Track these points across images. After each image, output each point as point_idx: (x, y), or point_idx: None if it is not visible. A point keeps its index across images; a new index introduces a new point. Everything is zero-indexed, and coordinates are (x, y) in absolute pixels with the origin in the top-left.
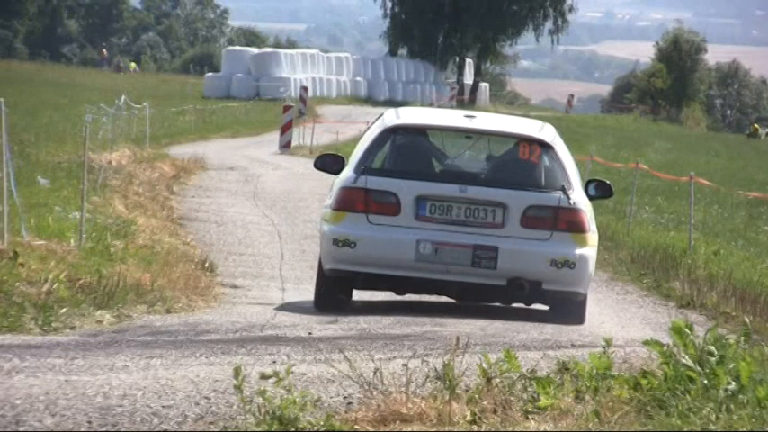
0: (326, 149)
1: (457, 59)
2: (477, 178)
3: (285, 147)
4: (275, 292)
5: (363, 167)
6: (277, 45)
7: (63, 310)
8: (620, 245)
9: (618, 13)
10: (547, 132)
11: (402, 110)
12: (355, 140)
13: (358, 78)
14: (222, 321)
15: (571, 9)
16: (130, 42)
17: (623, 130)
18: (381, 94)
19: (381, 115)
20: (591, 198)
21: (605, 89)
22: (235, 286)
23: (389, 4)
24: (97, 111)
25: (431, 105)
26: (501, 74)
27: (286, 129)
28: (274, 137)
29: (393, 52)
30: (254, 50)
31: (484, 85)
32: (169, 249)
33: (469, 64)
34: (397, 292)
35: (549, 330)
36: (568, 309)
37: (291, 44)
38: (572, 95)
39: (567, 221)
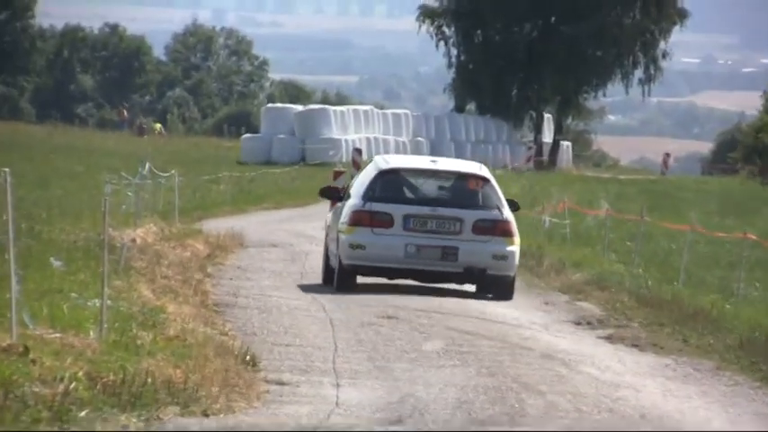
0: None
1: (534, 115)
2: (442, 202)
3: None
4: (328, 389)
5: (367, 197)
6: (325, 101)
7: (82, 414)
8: (727, 328)
9: (719, 59)
10: (484, 170)
11: (388, 157)
12: None
13: (419, 138)
14: (267, 424)
15: (665, 55)
16: (155, 100)
17: (728, 194)
18: (448, 156)
19: (373, 160)
20: (513, 208)
21: (706, 146)
22: (281, 383)
23: (454, 52)
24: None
25: (504, 168)
26: (585, 131)
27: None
28: (324, 208)
29: (460, 108)
30: (299, 107)
31: (566, 144)
32: (204, 341)
33: (548, 120)
34: (390, 278)
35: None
36: (503, 288)
37: (342, 99)
38: (668, 154)
39: (502, 229)
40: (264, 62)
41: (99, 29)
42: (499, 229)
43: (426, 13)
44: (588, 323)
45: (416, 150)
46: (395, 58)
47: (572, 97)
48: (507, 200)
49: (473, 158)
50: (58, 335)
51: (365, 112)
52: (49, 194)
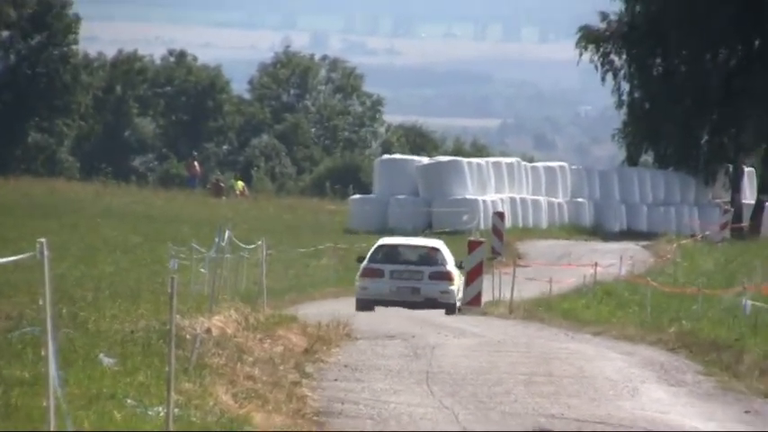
0: (537, 305)
1: (731, 168)
2: (412, 262)
3: (472, 303)
4: None
5: (370, 260)
6: (457, 151)
7: None
8: None
9: None
10: (439, 243)
11: (385, 238)
12: (577, 293)
13: (580, 199)
14: None
15: None
16: (235, 150)
17: None
18: (616, 223)
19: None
20: (459, 267)
21: None
22: None
23: (626, 87)
24: (187, 254)
25: (693, 237)
26: None
27: (474, 276)
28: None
29: (633, 159)
30: (424, 160)
31: None
32: None
33: (750, 174)
34: (384, 306)
35: None
36: (449, 310)
37: (479, 149)
38: None
39: (446, 277)
40: (379, 101)
41: (162, 57)
42: (444, 276)
43: (589, 38)
44: None
45: (576, 216)
46: (548, 95)
47: None
48: (460, 261)
49: (650, 225)
50: None
51: (509, 165)
52: (98, 271)
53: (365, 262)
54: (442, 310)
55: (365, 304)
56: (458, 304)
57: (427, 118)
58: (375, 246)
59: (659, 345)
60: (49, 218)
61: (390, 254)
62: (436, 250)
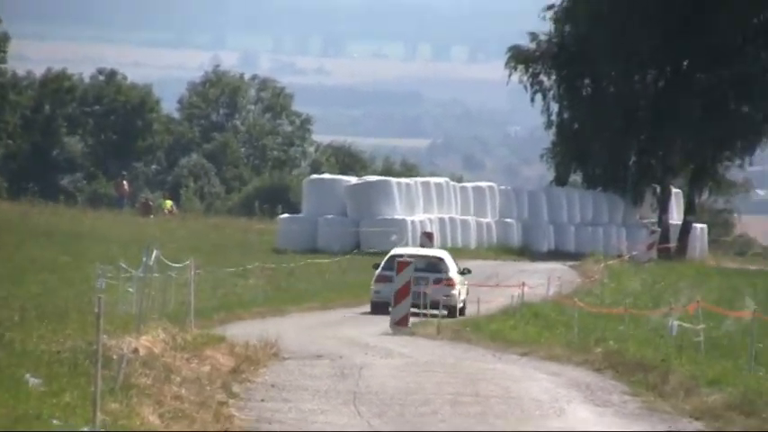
0: (464, 325)
1: (658, 189)
2: (419, 269)
3: (400, 323)
4: None
5: (383, 268)
6: (387, 171)
7: None
8: None
9: None
10: (444, 253)
11: (395, 249)
12: (505, 313)
13: (508, 219)
14: None
15: None
16: (164, 170)
17: None
18: (544, 243)
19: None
20: (462, 273)
21: None
22: None
23: (555, 108)
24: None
25: (620, 258)
26: (726, 210)
27: (402, 296)
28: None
29: (561, 180)
30: (353, 179)
31: (699, 227)
32: None
33: (677, 195)
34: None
35: None
36: (451, 311)
37: (409, 169)
38: None
39: (448, 282)
40: (308, 120)
41: (91, 76)
42: (446, 282)
43: (519, 58)
44: None
45: (504, 236)
46: (477, 115)
47: (709, 166)
48: (463, 268)
49: (578, 245)
50: None
51: (438, 185)
52: (24, 291)
53: (378, 270)
54: (371, 331)
55: (379, 306)
56: (459, 306)
57: (357, 137)
58: (387, 256)
59: (586, 365)
60: None
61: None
62: (440, 259)
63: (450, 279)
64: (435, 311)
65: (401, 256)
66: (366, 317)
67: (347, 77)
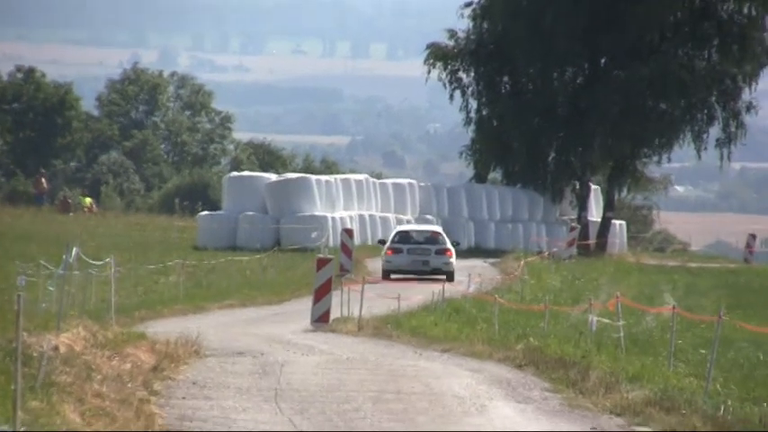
0: (385, 322)
1: (577, 186)
2: (422, 242)
3: (321, 320)
4: None
5: (392, 241)
6: (307, 168)
7: None
8: None
9: None
10: (440, 229)
11: (400, 226)
12: (426, 310)
13: (428, 216)
14: None
15: (750, 108)
16: (83, 167)
17: None
18: (464, 239)
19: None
20: (453, 246)
21: None
22: None
23: (474, 105)
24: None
25: (540, 254)
26: (645, 206)
27: (322, 294)
28: (305, 305)
29: (481, 177)
30: (272, 177)
31: (618, 224)
32: None
33: (596, 192)
34: (402, 274)
35: None
36: (448, 276)
37: (329, 166)
38: (753, 236)
39: (447, 251)
40: (228, 118)
41: (9, 74)
42: (445, 252)
43: (437, 55)
44: None
45: None
46: (397, 112)
47: (627, 163)
48: (452, 241)
49: (498, 242)
50: None
51: (358, 182)
52: None
53: (388, 243)
54: (293, 328)
55: (389, 273)
56: (454, 272)
57: (276, 135)
58: (393, 232)
59: (507, 362)
60: None
61: (405, 237)
62: (438, 233)
63: (448, 249)
64: (438, 276)
65: (407, 231)
66: (287, 312)
67: (266, 74)
